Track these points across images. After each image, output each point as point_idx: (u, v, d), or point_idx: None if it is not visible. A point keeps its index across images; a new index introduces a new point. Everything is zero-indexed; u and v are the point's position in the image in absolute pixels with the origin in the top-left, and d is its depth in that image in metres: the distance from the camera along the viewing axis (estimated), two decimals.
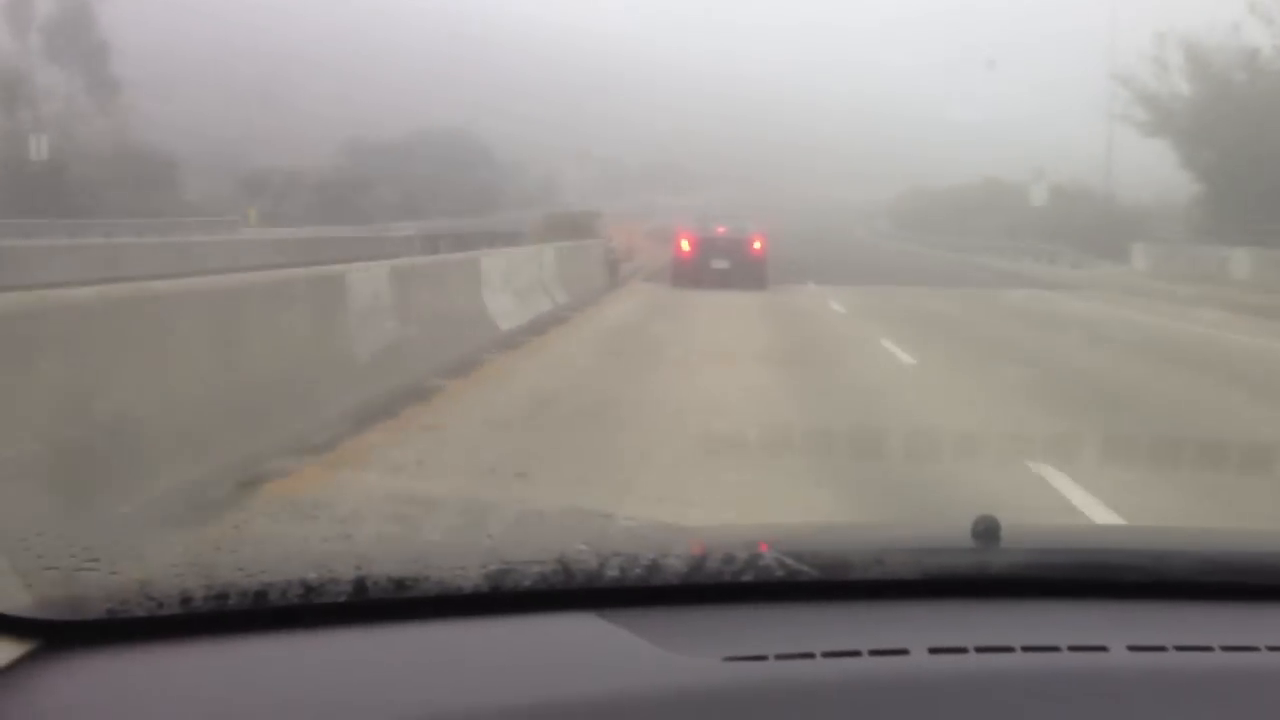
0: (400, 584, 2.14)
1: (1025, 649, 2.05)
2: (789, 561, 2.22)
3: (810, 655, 2.02)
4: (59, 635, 2.02)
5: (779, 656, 2.02)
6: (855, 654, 2.03)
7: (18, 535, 2.48)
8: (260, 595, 2.10)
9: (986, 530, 2.33)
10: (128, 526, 5.68)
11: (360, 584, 2.12)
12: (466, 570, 2.18)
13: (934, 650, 2.04)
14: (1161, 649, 2.09)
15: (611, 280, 30.75)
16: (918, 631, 2.12)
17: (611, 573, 2.19)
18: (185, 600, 2.09)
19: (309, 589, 2.10)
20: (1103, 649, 2.07)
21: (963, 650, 2.04)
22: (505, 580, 2.17)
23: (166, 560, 2.50)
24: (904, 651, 2.04)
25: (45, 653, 1.98)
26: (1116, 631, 2.12)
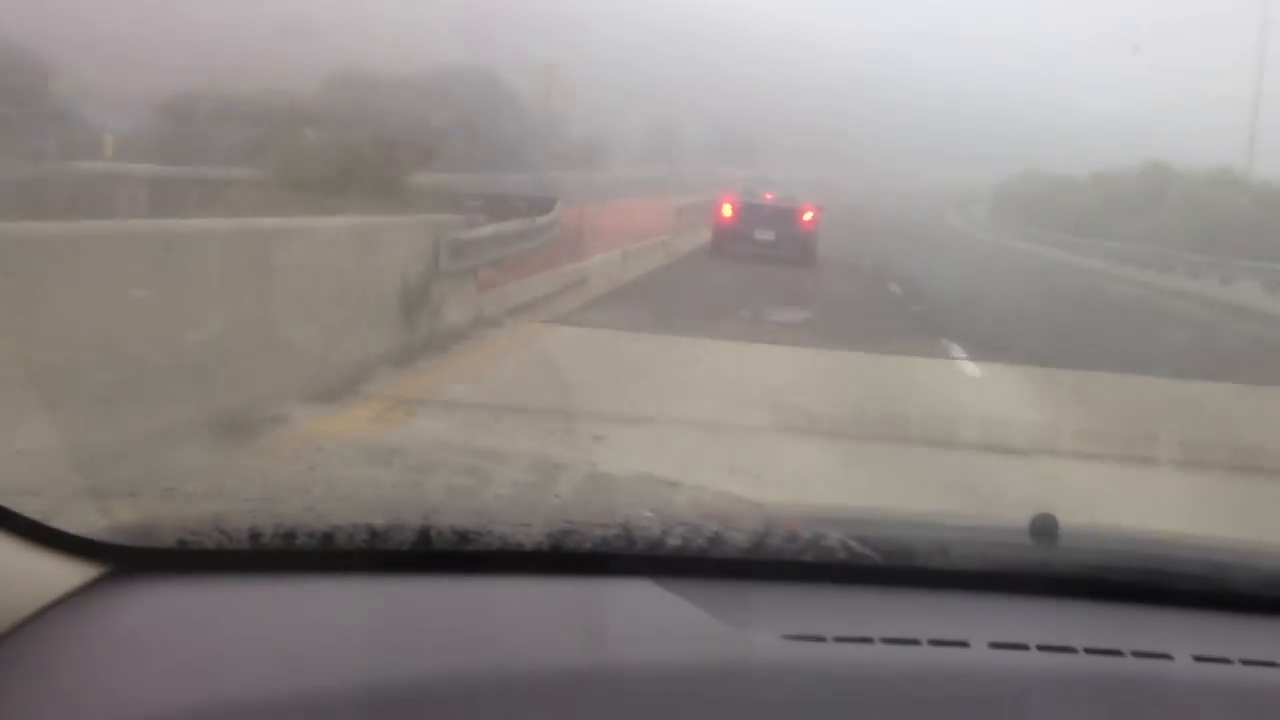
0: (464, 536, 2.15)
1: (1088, 650, 2.02)
2: (852, 544, 2.20)
3: (869, 640, 2.00)
4: (130, 560, 2.06)
5: (838, 639, 2.00)
6: (914, 642, 2.00)
7: (97, 459, 2.54)
8: (327, 537, 2.13)
9: (1044, 528, 2.29)
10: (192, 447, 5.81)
11: (425, 534, 2.14)
12: (530, 528, 2.19)
13: (995, 645, 2.01)
14: (1227, 661, 2.04)
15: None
16: (978, 625, 2.09)
17: (674, 541, 2.18)
18: (254, 536, 2.12)
19: (374, 534, 2.13)
20: (1167, 657, 2.02)
21: (1024, 647, 2.01)
22: (567, 540, 2.18)
23: (240, 494, 2.55)
24: (964, 644, 2.02)
25: (115, 577, 2.03)
26: (1180, 640, 2.08)
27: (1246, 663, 2.04)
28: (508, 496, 2.85)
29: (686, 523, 2.20)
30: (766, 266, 25.05)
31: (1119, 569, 2.34)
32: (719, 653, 1.98)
